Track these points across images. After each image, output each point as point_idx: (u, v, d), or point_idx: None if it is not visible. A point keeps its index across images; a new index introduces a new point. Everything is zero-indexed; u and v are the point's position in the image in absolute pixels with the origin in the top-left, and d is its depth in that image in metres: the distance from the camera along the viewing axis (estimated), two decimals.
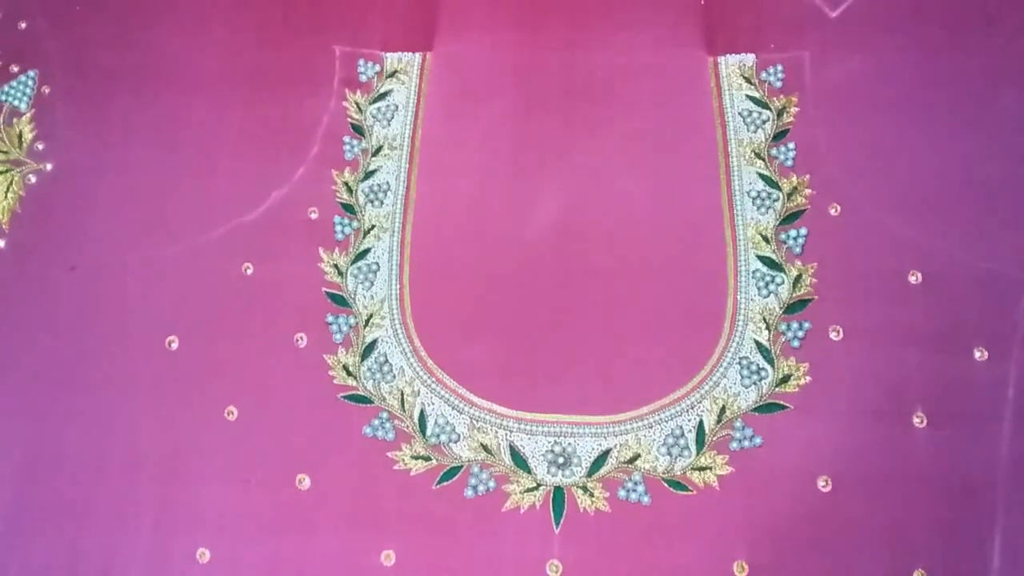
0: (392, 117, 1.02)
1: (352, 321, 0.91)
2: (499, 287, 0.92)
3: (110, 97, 1.04)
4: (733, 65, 1.03)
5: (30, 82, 1.04)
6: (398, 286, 0.92)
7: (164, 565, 0.82)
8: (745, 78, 1.02)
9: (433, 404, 0.87)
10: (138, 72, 1.05)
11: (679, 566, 0.80)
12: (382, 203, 0.97)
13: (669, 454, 0.84)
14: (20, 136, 1.02)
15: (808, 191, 0.94)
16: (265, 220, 0.96)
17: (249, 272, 0.94)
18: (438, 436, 0.85)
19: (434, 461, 0.84)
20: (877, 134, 0.96)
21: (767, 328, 0.88)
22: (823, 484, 0.81)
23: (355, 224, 0.96)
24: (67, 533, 0.83)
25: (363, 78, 1.05)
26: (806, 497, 0.81)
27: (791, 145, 0.97)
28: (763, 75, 1.02)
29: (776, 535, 0.80)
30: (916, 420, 0.84)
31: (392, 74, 1.04)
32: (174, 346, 0.91)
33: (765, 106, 1.00)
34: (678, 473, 0.83)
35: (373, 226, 0.96)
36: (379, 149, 1.00)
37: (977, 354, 0.86)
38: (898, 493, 0.81)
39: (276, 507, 0.83)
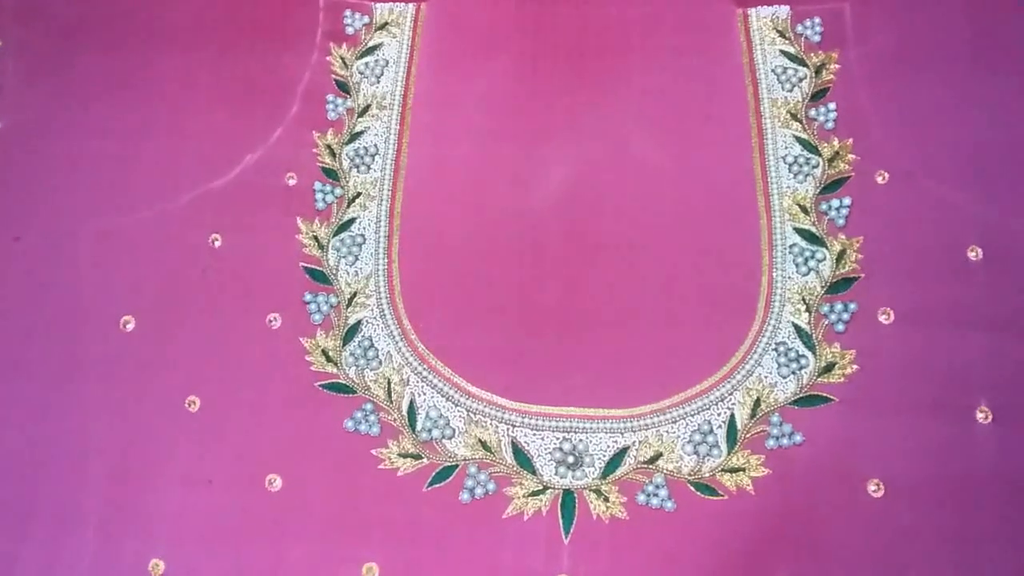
0: (381, 73, 0.97)
1: (333, 300, 0.86)
2: (500, 263, 0.87)
3: (67, 51, 0.98)
4: (765, 17, 0.98)
5: None
6: (386, 261, 0.88)
7: None
8: (779, 32, 0.97)
9: (424, 395, 0.82)
10: (99, 24, 0.99)
11: None
12: (369, 168, 0.92)
13: (696, 453, 0.78)
14: None
15: (851, 156, 0.89)
16: (236, 186, 0.91)
17: (217, 244, 0.88)
18: (430, 431, 0.80)
19: (425, 460, 0.79)
20: (929, 92, 0.91)
21: (807, 310, 0.83)
22: (874, 488, 0.76)
23: (338, 192, 0.91)
24: (1, 538, 0.78)
25: (349, 30, 1.00)
26: (854, 503, 0.75)
27: (831, 106, 0.92)
28: (799, 28, 0.97)
29: (820, 547, 0.74)
30: (979, 415, 0.78)
31: (382, 26, 1.00)
32: (129, 327, 0.85)
33: (802, 63, 0.95)
34: (706, 475, 0.78)
35: (359, 194, 0.91)
36: (366, 109, 0.96)
37: None
38: (960, 499, 0.75)
39: (242, 512, 0.77)
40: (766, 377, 0.81)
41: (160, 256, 0.88)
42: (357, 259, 0.88)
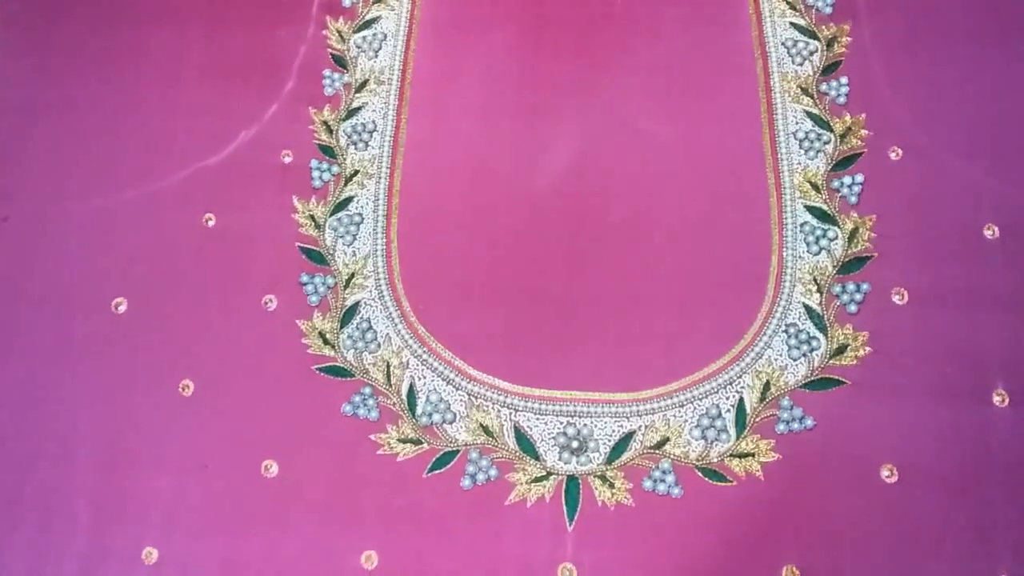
0: (379, 47, 0.95)
1: (330, 281, 0.85)
2: (503, 243, 0.86)
3: (55, 24, 0.97)
4: None
5: None
6: (384, 241, 0.87)
7: (103, 566, 0.75)
8: (789, 3, 0.95)
9: (424, 378, 0.81)
10: None
11: (716, 571, 0.73)
12: (367, 145, 0.91)
13: (704, 438, 0.77)
14: None
15: (864, 132, 0.88)
16: (230, 164, 0.89)
17: (211, 224, 0.87)
18: (430, 416, 0.79)
19: (425, 445, 0.78)
20: (944, 66, 0.90)
21: (818, 290, 0.82)
22: (887, 474, 0.75)
23: (335, 169, 0.90)
24: None
25: (346, 3, 0.98)
26: (867, 490, 0.74)
27: (844, 80, 0.91)
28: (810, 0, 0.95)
29: (832, 535, 0.73)
30: (996, 398, 0.77)
31: None
32: (121, 309, 0.84)
33: (813, 35, 0.94)
34: (714, 460, 0.76)
35: (356, 171, 0.90)
36: (364, 84, 0.94)
37: None
38: (976, 485, 0.74)
39: (237, 498, 0.76)
40: (776, 359, 0.80)
41: (152, 236, 0.87)
42: (355, 239, 0.87)
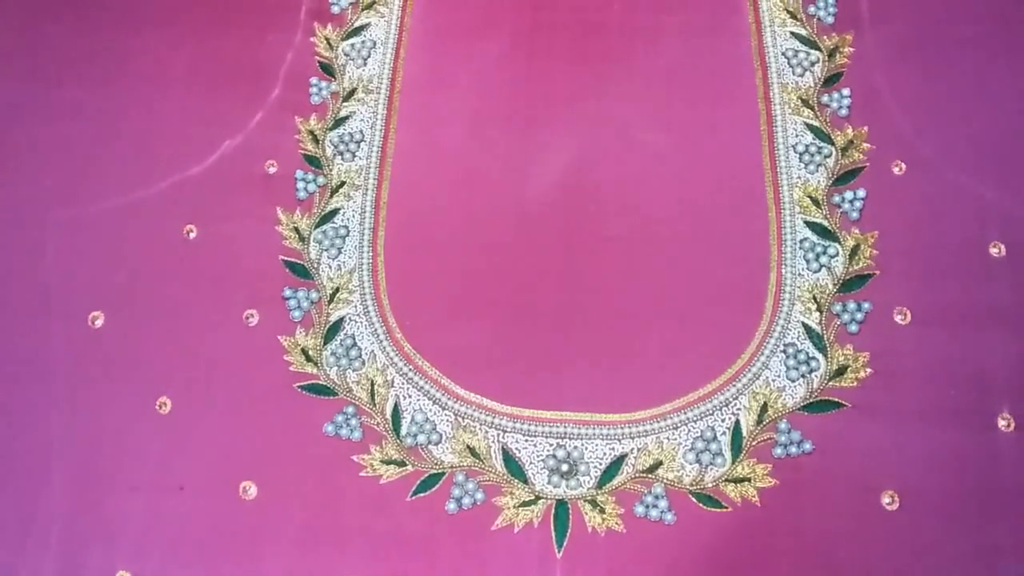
0: (368, 55, 0.94)
1: (314, 296, 0.84)
2: (493, 258, 0.85)
3: (36, 26, 0.96)
4: None
5: None
6: (370, 255, 0.85)
7: None
8: (790, 12, 0.94)
9: (410, 397, 0.79)
10: None
11: None
12: (354, 156, 0.90)
13: (698, 462, 0.76)
14: None
15: (866, 145, 0.87)
16: (213, 174, 0.88)
17: (192, 236, 0.86)
18: (415, 436, 0.78)
19: (410, 467, 0.77)
20: (949, 78, 0.89)
21: (818, 309, 0.81)
22: (888, 501, 0.73)
23: (321, 180, 0.89)
24: None
25: (335, 9, 0.97)
26: (867, 517, 0.73)
27: (845, 91, 0.90)
28: (811, 9, 0.94)
29: (830, 564, 0.72)
30: (1001, 422, 0.76)
31: (369, 5, 0.97)
32: (98, 323, 0.83)
33: (814, 45, 0.93)
34: (709, 485, 0.75)
35: (343, 183, 0.89)
36: (352, 92, 0.93)
37: None
38: (981, 512, 0.73)
39: (214, 521, 0.75)
40: (774, 381, 0.79)
41: (131, 247, 0.86)
42: (340, 252, 0.86)
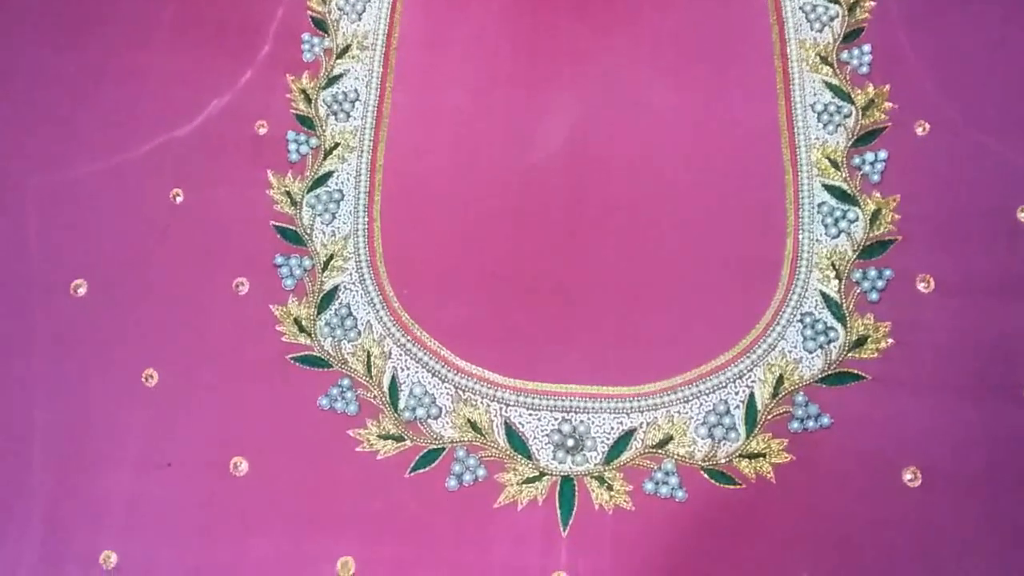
0: (363, 9, 0.93)
1: (307, 263, 0.83)
2: (495, 224, 0.84)
3: None
4: None
5: None
6: (366, 220, 0.84)
7: (58, 570, 0.73)
8: None
9: (408, 369, 0.79)
10: None
11: None
12: (348, 116, 0.89)
13: (710, 437, 0.75)
14: None
15: (888, 105, 0.86)
16: (200, 136, 0.87)
17: (179, 200, 0.85)
18: (414, 410, 0.77)
19: (408, 442, 0.76)
20: (975, 34, 0.87)
21: (837, 277, 0.80)
22: (910, 477, 0.73)
23: (314, 142, 0.88)
24: None
25: None
26: (888, 494, 0.72)
27: (866, 48, 0.88)
28: None
29: (849, 543, 0.71)
30: None
31: None
32: (81, 292, 0.82)
33: None
34: (722, 461, 0.75)
35: (336, 144, 0.87)
36: (346, 49, 0.91)
37: None
38: (1006, 489, 0.72)
39: (203, 499, 0.75)
40: (790, 352, 0.78)
41: (115, 213, 0.84)
42: (334, 217, 0.84)
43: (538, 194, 0.84)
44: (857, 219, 0.81)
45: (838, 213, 0.81)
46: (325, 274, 0.82)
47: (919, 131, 0.84)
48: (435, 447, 0.75)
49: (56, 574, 0.73)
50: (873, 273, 0.79)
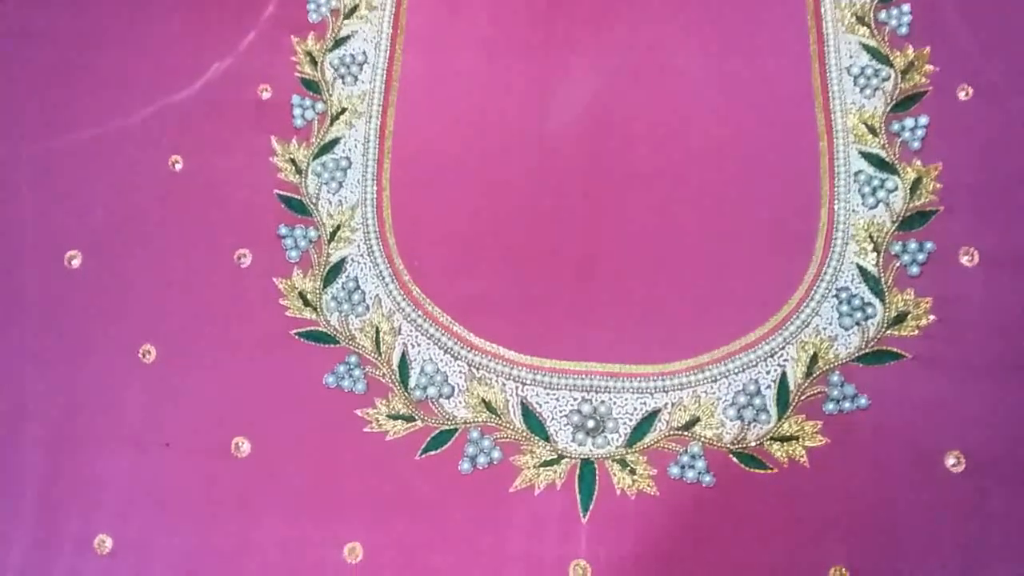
0: None
1: (313, 234, 0.82)
2: (510, 193, 0.83)
3: None
4: None
5: None
6: (375, 189, 0.83)
7: (50, 555, 0.73)
8: None
9: (419, 346, 0.77)
10: None
11: (752, 572, 0.70)
12: (356, 80, 0.87)
13: (740, 418, 0.74)
14: None
15: (928, 68, 0.83)
16: (200, 101, 0.86)
17: (178, 168, 0.84)
18: (425, 389, 0.76)
19: (419, 423, 0.75)
20: None
21: (875, 250, 0.78)
22: (953, 462, 0.71)
23: (320, 107, 0.86)
24: None
25: None
26: (929, 480, 0.71)
27: (905, 7, 0.85)
28: None
29: (887, 532, 0.70)
30: None
31: None
32: (75, 263, 0.81)
33: None
34: (752, 444, 0.73)
35: (344, 109, 0.86)
36: (354, 9, 0.90)
37: None
38: None
39: (204, 481, 0.74)
40: (825, 329, 0.76)
41: (111, 181, 0.83)
42: (341, 186, 0.83)
43: (557, 161, 0.83)
44: (896, 188, 0.79)
45: (876, 182, 0.80)
46: (331, 245, 0.81)
47: (961, 95, 0.82)
48: (447, 428, 0.75)
49: (49, 559, 0.73)
50: (913, 246, 0.77)
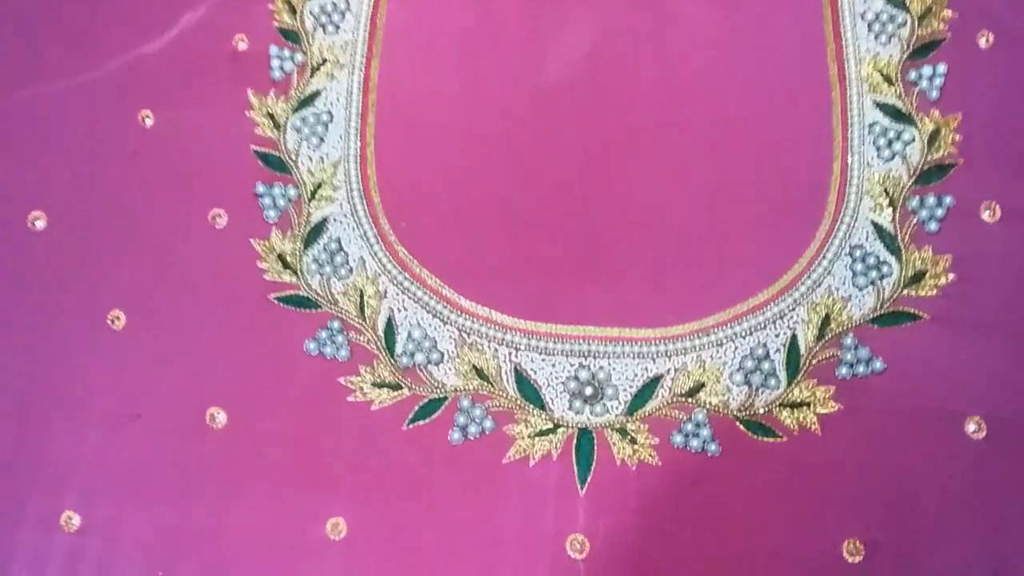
0: None
1: (292, 193, 0.80)
2: (502, 148, 0.81)
3: None
4: None
5: None
6: (358, 145, 0.81)
7: (16, 534, 0.71)
8: None
9: (406, 310, 0.76)
10: None
11: (761, 545, 0.69)
12: (338, 29, 0.85)
13: (747, 384, 0.73)
14: None
15: (947, 13, 0.81)
16: (172, 52, 0.84)
17: (148, 123, 0.82)
18: (412, 355, 0.75)
19: (406, 391, 0.74)
20: None
21: (891, 205, 0.77)
22: (973, 428, 0.70)
23: (299, 58, 0.84)
24: None
25: None
26: (949, 447, 0.70)
27: None
28: None
29: (904, 502, 0.69)
30: None
31: None
32: (39, 225, 0.79)
33: None
34: (760, 411, 0.72)
35: (325, 60, 0.84)
36: None
37: None
38: None
39: (177, 455, 0.73)
40: (838, 289, 0.75)
41: (77, 138, 0.81)
42: (323, 142, 0.82)
43: (554, 114, 0.81)
44: (913, 140, 0.78)
45: (892, 134, 0.78)
46: (312, 204, 0.79)
47: (982, 43, 0.80)
48: (436, 396, 0.73)
49: (11, 537, 0.70)
50: (932, 200, 0.76)
